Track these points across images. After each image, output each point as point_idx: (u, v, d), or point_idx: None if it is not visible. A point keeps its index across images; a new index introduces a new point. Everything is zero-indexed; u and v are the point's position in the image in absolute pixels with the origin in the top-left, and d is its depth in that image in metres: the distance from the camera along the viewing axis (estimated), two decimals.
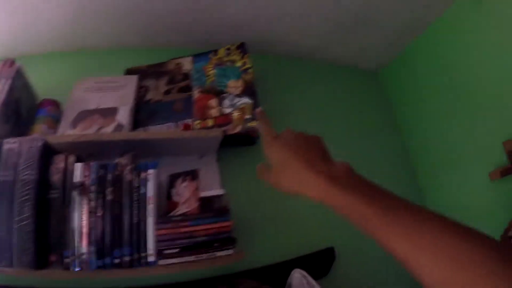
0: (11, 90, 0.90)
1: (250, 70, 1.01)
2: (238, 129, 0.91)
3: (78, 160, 0.77)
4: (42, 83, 1.04)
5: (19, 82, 0.95)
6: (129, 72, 1.05)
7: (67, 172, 0.75)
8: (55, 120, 0.94)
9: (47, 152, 0.79)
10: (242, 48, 1.05)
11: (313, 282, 0.83)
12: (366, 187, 0.32)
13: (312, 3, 1.04)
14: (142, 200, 0.74)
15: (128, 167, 0.75)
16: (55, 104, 0.97)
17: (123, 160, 0.75)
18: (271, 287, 0.82)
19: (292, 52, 1.30)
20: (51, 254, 0.73)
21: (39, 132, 0.90)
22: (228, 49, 1.06)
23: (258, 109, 0.50)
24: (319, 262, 0.96)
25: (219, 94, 0.97)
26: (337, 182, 0.33)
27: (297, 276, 0.84)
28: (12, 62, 0.95)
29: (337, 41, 1.26)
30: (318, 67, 1.34)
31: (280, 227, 0.98)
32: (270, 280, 0.85)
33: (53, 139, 0.80)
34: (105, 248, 0.71)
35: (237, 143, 0.98)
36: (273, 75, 1.20)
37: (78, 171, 0.74)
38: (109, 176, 0.74)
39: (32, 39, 1.19)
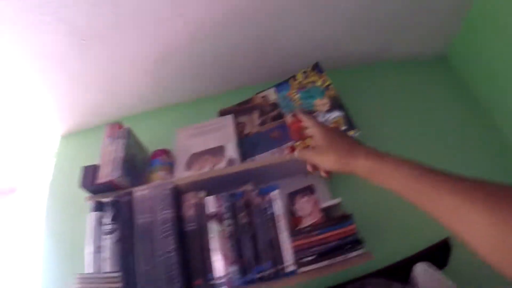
0: (125, 148, 1.11)
1: (331, 86, 1.13)
2: None
3: (207, 195, 0.92)
4: (147, 137, 1.26)
5: (131, 140, 1.16)
6: (221, 113, 1.23)
7: (199, 206, 0.90)
8: (170, 167, 1.13)
9: (177, 193, 0.95)
10: (317, 68, 1.19)
11: (437, 272, 0.88)
12: (401, 159, 0.42)
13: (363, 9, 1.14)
14: (272, 219, 0.85)
15: (254, 193, 0.88)
16: (167, 152, 1.17)
17: (248, 188, 0.88)
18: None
19: (360, 60, 1.40)
20: (196, 280, 0.86)
21: (159, 179, 1.08)
22: (305, 72, 1.20)
23: (293, 113, 0.68)
24: (437, 255, 0.97)
25: (310, 114, 1.08)
26: (380, 155, 0.44)
27: (420, 269, 0.89)
28: (120, 125, 1.18)
29: (397, 36, 1.33)
30: (387, 67, 1.42)
31: (395, 226, 1.02)
32: (394, 278, 0.88)
33: (180, 180, 0.97)
34: (247, 266, 0.82)
35: None
36: (350, 85, 1.30)
37: (211, 203, 0.88)
38: (239, 203, 0.87)
39: (130, 103, 1.46)
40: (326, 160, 0.50)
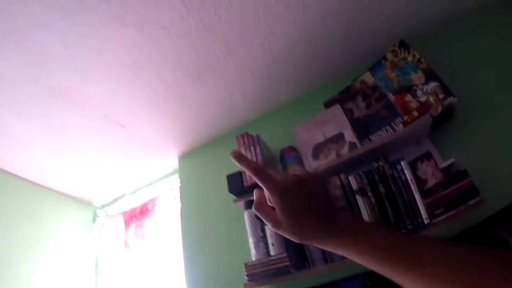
0: (261, 151, 1.43)
1: (422, 59, 1.33)
2: (439, 109, 1.24)
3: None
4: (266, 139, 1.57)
5: (261, 144, 1.47)
6: (326, 105, 1.50)
7: (344, 186, 1.21)
8: (299, 160, 1.43)
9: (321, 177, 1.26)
10: (403, 45, 1.39)
11: None
12: (371, 230, 0.39)
13: None
14: (406, 185, 1.13)
15: (387, 166, 1.16)
16: (293, 149, 1.47)
17: (380, 163, 1.17)
18: None
19: (439, 21, 1.54)
20: None
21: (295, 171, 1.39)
22: (393, 51, 1.41)
23: (232, 152, 0.44)
24: None
25: (410, 89, 1.32)
26: (351, 232, 0.39)
27: None
28: (248, 135, 1.49)
29: None
30: (463, 22, 1.50)
31: (501, 174, 1.18)
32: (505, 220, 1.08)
33: (320, 168, 1.27)
34: (392, 225, 1.12)
35: (440, 122, 1.30)
36: (436, 51, 1.47)
37: (354, 182, 1.18)
38: (376, 177, 1.16)
39: (241, 115, 1.77)
40: (285, 234, 0.41)
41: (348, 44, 1.51)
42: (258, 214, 0.43)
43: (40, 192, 2.14)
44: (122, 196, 2.42)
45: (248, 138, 1.46)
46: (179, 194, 1.90)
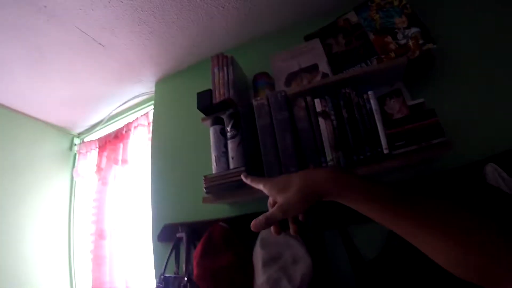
0: (234, 72, 1.41)
1: (408, 5, 1.32)
2: (416, 53, 1.23)
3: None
4: (242, 65, 1.56)
5: (235, 66, 1.46)
6: (307, 37, 1.48)
7: (308, 108, 1.20)
8: (272, 86, 1.43)
9: (288, 100, 1.25)
10: None
11: (504, 173, 1.04)
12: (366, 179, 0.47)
13: None
14: (370, 113, 1.13)
15: (353, 94, 1.16)
16: (267, 75, 1.46)
17: (347, 90, 1.16)
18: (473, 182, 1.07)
19: None
20: (310, 163, 1.17)
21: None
22: None
23: (243, 175, 0.68)
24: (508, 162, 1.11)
25: (391, 31, 1.30)
26: (345, 173, 0.47)
27: (490, 169, 1.06)
28: (223, 55, 1.47)
29: None
30: None
31: (470, 126, 1.23)
32: (470, 176, 1.11)
33: (289, 91, 1.26)
34: (350, 150, 1.12)
35: (417, 69, 1.29)
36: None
37: (319, 104, 1.17)
38: (341, 102, 1.16)
39: (222, 40, 1.74)
40: (293, 210, 0.51)
41: None
42: (269, 220, 0.56)
43: (16, 118, 2.11)
44: (99, 122, 2.39)
45: (223, 58, 1.45)
46: (153, 118, 1.88)
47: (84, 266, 2.11)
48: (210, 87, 1.46)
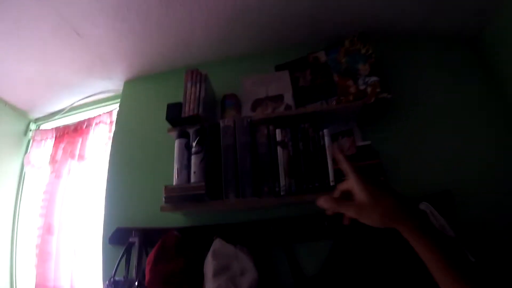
0: (205, 90, 1.52)
1: (373, 55, 1.50)
2: (372, 100, 1.41)
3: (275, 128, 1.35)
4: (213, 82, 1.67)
5: (207, 84, 1.57)
6: (277, 67, 1.62)
7: (269, 136, 1.33)
8: (238, 106, 1.55)
9: (252, 125, 1.38)
10: (363, 37, 1.55)
11: (436, 212, 1.22)
12: (435, 234, 0.49)
13: None
14: (322, 148, 1.28)
15: (310, 129, 1.31)
16: (235, 96, 1.58)
17: (306, 125, 1.31)
18: None
19: (404, 32, 1.71)
20: (265, 186, 1.31)
21: (232, 116, 1.50)
22: (351, 40, 1.57)
23: (335, 151, 0.70)
24: (439, 203, 1.28)
25: (354, 76, 1.48)
26: (419, 228, 0.50)
27: (423, 207, 1.25)
28: (198, 71, 1.57)
29: (435, 13, 1.59)
30: (426, 41, 1.72)
31: (408, 171, 1.43)
32: None
33: (255, 117, 1.39)
34: (302, 178, 1.27)
35: (372, 113, 1.47)
36: (393, 55, 1.67)
37: (279, 134, 1.31)
38: (299, 135, 1.31)
39: (196, 53, 1.84)
40: (367, 218, 0.53)
41: (316, 20, 1.63)
42: (340, 207, 0.57)
43: None
44: (59, 111, 2.37)
45: (197, 74, 1.54)
46: (116, 117, 1.92)
47: (28, 261, 2.07)
48: (179, 97, 1.55)
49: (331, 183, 1.25)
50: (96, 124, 2.10)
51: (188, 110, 1.47)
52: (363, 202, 0.54)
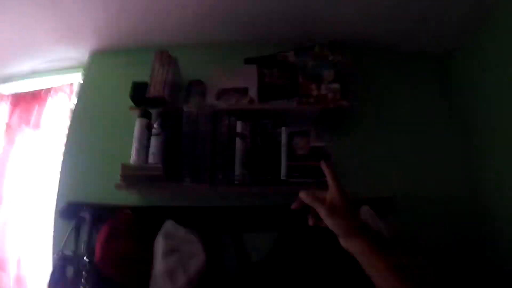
0: (173, 73, 1.56)
1: (339, 64, 1.61)
2: (331, 105, 1.52)
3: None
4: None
5: (176, 68, 1.60)
6: (247, 60, 1.69)
7: (230, 126, 1.41)
8: (203, 94, 1.60)
9: (215, 114, 1.44)
10: (332, 45, 1.65)
11: (374, 215, 1.36)
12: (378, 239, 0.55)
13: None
14: (278, 144, 1.38)
15: (270, 125, 1.40)
16: (201, 83, 1.63)
17: (266, 121, 1.40)
18: None
19: (380, 44, 1.84)
20: (219, 173, 1.38)
21: (195, 102, 1.55)
22: (322, 46, 1.66)
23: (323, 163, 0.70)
24: (381, 207, 1.44)
25: (318, 80, 1.58)
26: (374, 246, 0.53)
27: (364, 209, 1.39)
28: (168, 54, 1.60)
29: (407, 32, 1.74)
30: (399, 55, 1.86)
31: (357, 176, 1.55)
32: None
33: (219, 107, 1.45)
34: (256, 171, 1.36)
35: (330, 119, 1.58)
36: (364, 64, 1.79)
37: (240, 126, 1.39)
38: (259, 130, 1.39)
39: (166, 33, 1.84)
40: (336, 221, 0.57)
41: (291, 21, 1.71)
42: (315, 203, 0.62)
43: None
44: (16, 75, 2.27)
45: (168, 57, 1.57)
46: (78, 89, 1.89)
47: None
48: (144, 77, 1.57)
49: (283, 177, 1.35)
50: (55, 92, 2.06)
51: (153, 91, 1.50)
52: (338, 205, 0.58)
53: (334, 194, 0.61)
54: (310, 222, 0.65)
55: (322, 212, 0.59)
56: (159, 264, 1.34)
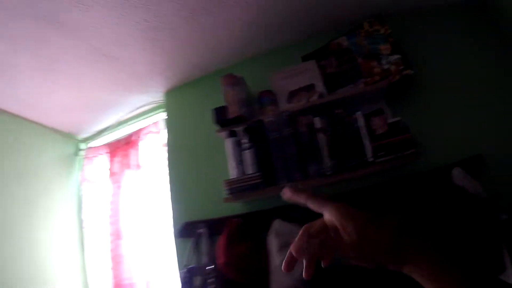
0: (244, 91, 1.74)
1: (392, 34, 1.67)
2: (397, 77, 1.59)
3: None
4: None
5: (244, 85, 1.78)
6: (303, 58, 1.82)
7: (309, 125, 1.55)
8: (275, 101, 1.76)
9: (292, 117, 1.60)
10: (380, 19, 1.71)
11: (468, 176, 1.39)
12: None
13: None
14: (358, 130, 1.49)
15: (345, 113, 1.51)
16: (270, 92, 1.80)
17: (339, 111, 1.52)
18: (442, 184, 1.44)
19: (416, 6, 1.86)
20: (311, 169, 1.53)
21: (270, 111, 1.72)
22: (369, 22, 1.73)
23: (285, 190, 0.53)
24: (471, 166, 1.47)
25: (376, 57, 1.65)
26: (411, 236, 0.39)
27: (456, 172, 1.44)
28: (233, 75, 1.78)
29: None
30: (439, 12, 1.84)
31: (439, 141, 1.62)
32: (438, 180, 1.48)
33: (293, 109, 1.61)
34: (343, 158, 1.49)
35: (398, 90, 1.65)
36: (408, 31, 1.82)
37: (318, 122, 1.53)
38: (336, 121, 1.52)
39: (224, 57, 2.05)
40: (360, 260, 0.42)
41: (333, 7, 1.80)
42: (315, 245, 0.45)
43: (21, 124, 2.31)
44: (106, 129, 2.66)
45: (233, 78, 1.77)
46: (165, 127, 2.20)
47: (102, 265, 2.40)
48: (216, 99, 1.81)
49: (369, 159, 1.46)
50: (144, 134, 2.38)
51: (232, 111, 1.70)
52: (354, 233, 0.41)
53: (341, 221, 0.43)
54: (324, 264, 0.47)
55: (344, 253, 0.42)
56: (276, 259, 1.53)
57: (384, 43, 1.67)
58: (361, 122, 1.50)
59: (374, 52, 1.68)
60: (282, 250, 1.56)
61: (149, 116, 2.48)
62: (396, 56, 1.62)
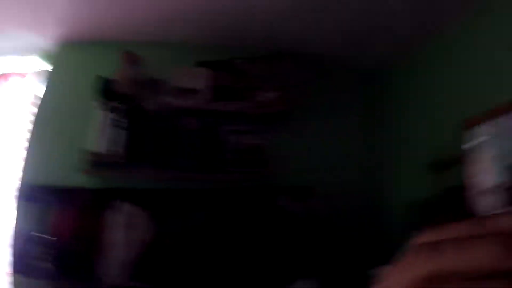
0: (138, 72, 1.82)
1: (282, 72, 1.97)
2: (274, 109, 1.89)
3: None
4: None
5: (140, 67, 1.86)
6: (201, 64, 1.97)
7: (186, 123, 1.71)
8: (163, 93, 1.86)
9: (172, 111, 1.73)
10: (278, 56, 2.01)
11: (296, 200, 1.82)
12: None
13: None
14: (225, 141, 1.72)
15: (217, 123, 1.73)
16: (163, 83, 1.89)
17: (214, 119, 1.73)
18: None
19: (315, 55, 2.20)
20: (173, 162, 1.69)
21: (156, 100, 1.82)
22: (268, 56, 2.01)
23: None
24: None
25: (263, 87, 1.93)
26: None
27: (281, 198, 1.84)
28: (134, 55, 1.84)
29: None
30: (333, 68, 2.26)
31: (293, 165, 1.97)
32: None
33: (178, 104, 1.74)
34: (205, 161, 1.69)
35: (272, 120, 1.95)
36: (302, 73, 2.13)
37: (194, 124, 1.71)
38: (207, 126, 1.72)
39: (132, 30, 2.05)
40: None
41: (246, 31, 2.01)
42: None
43: None
44: None
45: (133, 57, 1.82)
46: (45, 79, 2.04)
47: None
48: (108, 70, 1.79)
49: (224, 167, 1.74)
50: (13, 75, 2.17)
51: (121, 88, 1.74)
52: None
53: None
54: None
55: None
56: (117, 235, 1.63)
57: (273, 78, 1.96)
58: (230, 135, 1.74)
59: (263, 82, 1.95)
60: (123, 229, 1.64)
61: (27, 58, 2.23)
62: (277, 93, 1.92)
